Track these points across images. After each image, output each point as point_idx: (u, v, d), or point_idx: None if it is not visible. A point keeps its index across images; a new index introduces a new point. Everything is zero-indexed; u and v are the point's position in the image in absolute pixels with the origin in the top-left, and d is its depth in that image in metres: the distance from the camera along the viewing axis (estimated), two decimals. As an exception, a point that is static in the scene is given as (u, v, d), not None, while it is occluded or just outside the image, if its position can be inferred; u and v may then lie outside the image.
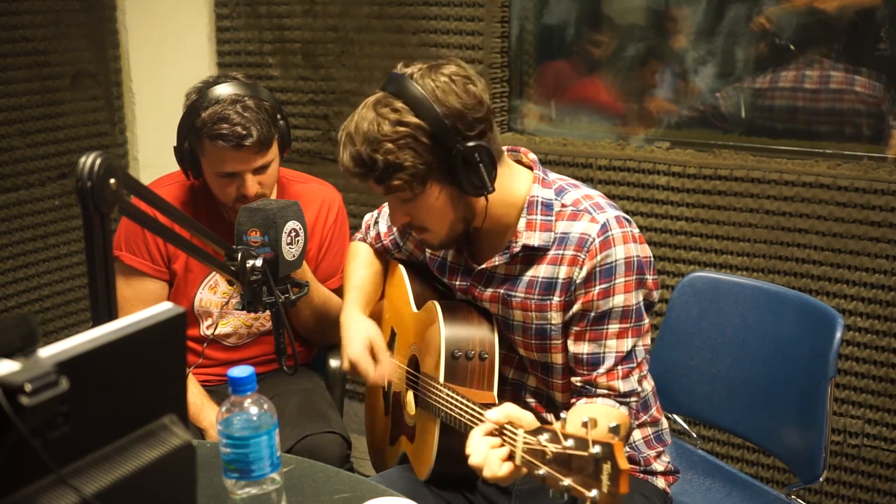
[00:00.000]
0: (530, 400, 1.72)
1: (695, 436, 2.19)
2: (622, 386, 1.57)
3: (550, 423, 1.20)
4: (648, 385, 1.77)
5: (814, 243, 2.42)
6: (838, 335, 1.81)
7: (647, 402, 1.76)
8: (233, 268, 1.53)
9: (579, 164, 2.68)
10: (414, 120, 1.48)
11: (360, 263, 1.96)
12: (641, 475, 1.74)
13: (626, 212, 2.62)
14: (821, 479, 1.85)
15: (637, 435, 1.74)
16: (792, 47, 2.49)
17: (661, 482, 1.75)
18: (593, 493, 1.10)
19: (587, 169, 2.67)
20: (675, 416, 2.16)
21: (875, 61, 2.39)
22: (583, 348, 1.58)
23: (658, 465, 1.75)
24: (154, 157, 3.30)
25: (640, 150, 2.65)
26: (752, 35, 2.53)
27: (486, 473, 1.26)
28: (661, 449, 1.77)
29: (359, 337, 1.78)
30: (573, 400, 1.61)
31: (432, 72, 1.52)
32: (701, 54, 2.61)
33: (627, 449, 1.73)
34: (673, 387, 2.11)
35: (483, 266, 1.67)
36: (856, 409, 2.45)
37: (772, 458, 2.57)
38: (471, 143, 1.50)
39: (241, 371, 1.26)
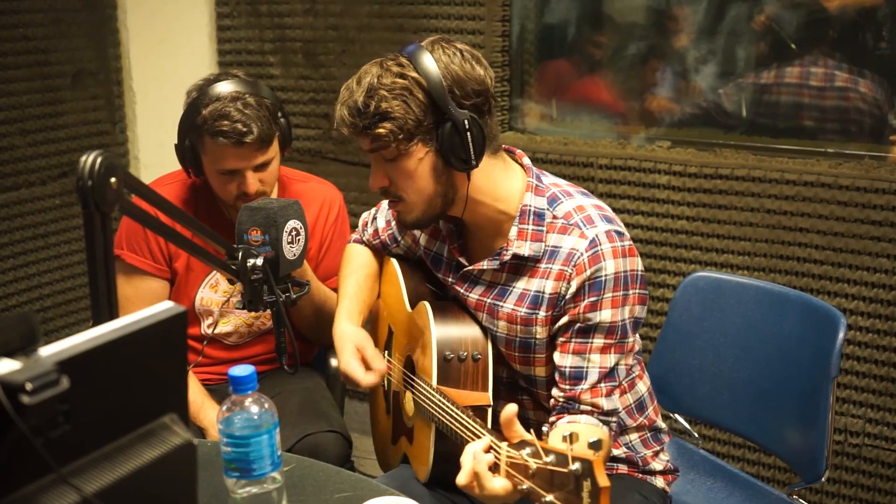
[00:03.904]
0: (525, 398, 1.71)
1: (696, 435, 2.18)
2: (606, 404, 1.54)
3: (532, 434, 1.19)
4: (644, 385, 1.76)
5: (815, 243, 2.42)
6: (841, 335, 1.81)
7: (643, 402, 1.75)
8: (233, 267, 1.53)
9: (580, 163, 2.68)
10: (414, 75, 1.51)
11: (354, 267, 1.95)
12: (640, 475, 1.73)
13: (627, 211, 2.64)
14: (822, 479, 1.85)
15: (633, 435, 1.74)
16: (793, 46, 2.49)
17: (659, 481, 1.75)
18: None
19: (588, 168, 2.67)
20: (676, 415, 2.16)
21: (876, 60, 2.39)
22: (566, 361, 1.56)
23: (656, 465, 1.75)
24: (155, 156, 3.30)
25: (640, 149, 2.65)
26: (753, 34, 2.53)
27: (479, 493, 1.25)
28: (659, 448, 1.77)
29: (347, 346, 1.76)
30: (555, 417, 1.57)
31: (444, 42, 1.55)
32: (702, 53, 2.61)
33: (624, 449, 1.72)
34: (675, 386, 2.11)
35: (470, 267, 1.66)
36: (857, 408, 2.45)
37: (773, 457, 2.56)
38: (463, 111, 1.51)
39: (241, 370, 1.26)
